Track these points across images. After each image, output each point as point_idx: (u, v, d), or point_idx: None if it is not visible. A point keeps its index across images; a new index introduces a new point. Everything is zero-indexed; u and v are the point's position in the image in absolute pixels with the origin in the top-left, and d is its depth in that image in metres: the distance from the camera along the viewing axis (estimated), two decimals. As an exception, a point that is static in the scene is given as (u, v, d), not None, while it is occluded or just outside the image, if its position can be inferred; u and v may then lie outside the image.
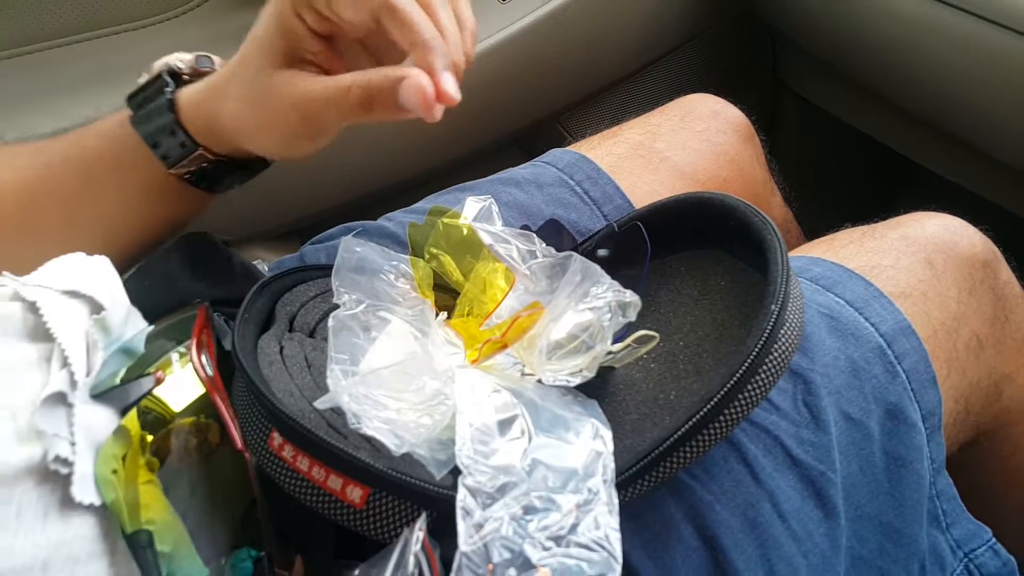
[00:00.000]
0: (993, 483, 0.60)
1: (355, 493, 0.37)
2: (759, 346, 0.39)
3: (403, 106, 0.41)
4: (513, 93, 0.89)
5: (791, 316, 0.41)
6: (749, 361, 0.39)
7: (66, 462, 0.35)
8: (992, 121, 0.75)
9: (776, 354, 0.39)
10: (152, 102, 0.49)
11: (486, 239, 0.54)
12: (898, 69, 0.81)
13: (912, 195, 0.77)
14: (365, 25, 0.42)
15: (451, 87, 0.40)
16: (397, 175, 0.87)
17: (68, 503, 0.35)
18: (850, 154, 1.13)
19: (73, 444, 0.35)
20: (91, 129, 0.52)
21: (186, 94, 0.49)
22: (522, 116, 0.92)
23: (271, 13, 0.44)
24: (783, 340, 0.40)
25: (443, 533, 0.35)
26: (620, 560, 0.34)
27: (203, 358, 0.39)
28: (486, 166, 0.71)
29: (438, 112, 0.41)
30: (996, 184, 0.84)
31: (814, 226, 0.74)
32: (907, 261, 0.54)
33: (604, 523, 0.35)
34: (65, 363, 0.38)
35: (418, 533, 0.35)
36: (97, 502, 0.35)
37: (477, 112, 0.87)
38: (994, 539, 0.50)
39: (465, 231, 0.55)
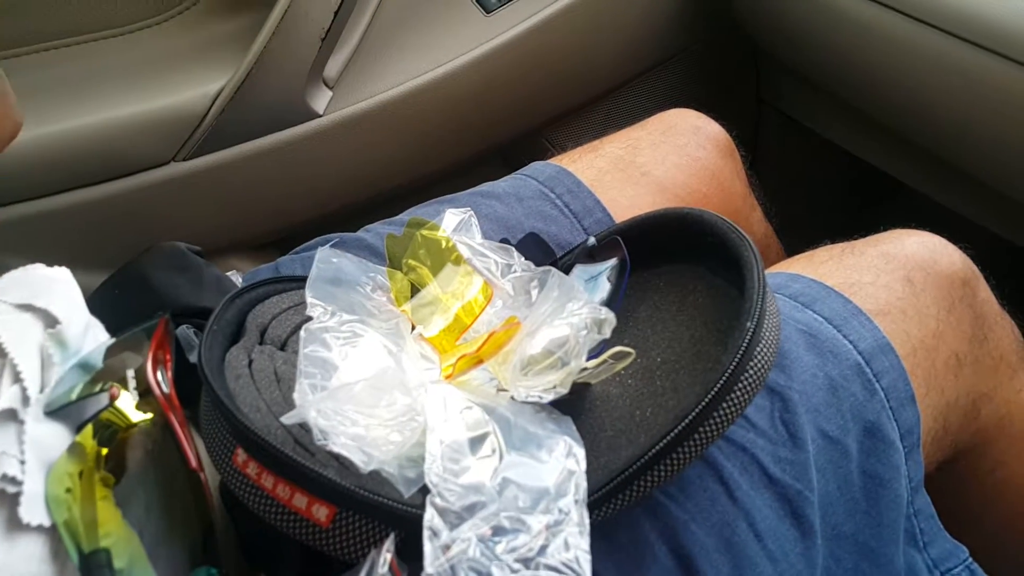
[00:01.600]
0: (970, 502, 0.59)
1: (321, 512, 0.36)
2: (734, 364, 0.38)
3: None
4: (497, 106, 0.88)
5: (767, 333, 0.40)
6: (724, 379, 0.38)
7: (14, 481, 0.34)
8: (973, 141, 0.75)
9: (752, 371, 0.39)
10: None
11: (465, 252, 0.54)
12: (880, 87, 0.81)
13: (894, 212, 0.77)
14: None
15: None
16: (378, 187, 0.87)
17: (15, 523, 0.33)
18: (831, 170, 1.13)
19: (23, 462, 0.34)
20: None
21: None
22: (506, 129, 0.92)
23: None
24: (759, 357, 0.39)
25: (412, 554, 0.34)
26: None
27: (159, 375, 0.38)
28: (469, 179, 0.71)
29: None
30: (976, 204, 0.85)
31: (794, 242, 0.74)
32: (886, 278, 0.53)
33: (574, 544, 0.35)
34: (17, 379, 0.37)
35: (385, 554, 0.34)
36: (47, 523, 0.34)
37: (460, 124, 0.87)
38: (971, 559, 0.50)
39: (444, 244, 0.54)
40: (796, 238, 0.76)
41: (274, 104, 0.77)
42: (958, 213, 0.86)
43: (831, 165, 1.10)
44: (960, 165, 0.79)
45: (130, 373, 0.37)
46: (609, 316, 0.41)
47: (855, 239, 0.58)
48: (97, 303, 0.49)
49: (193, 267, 0.54)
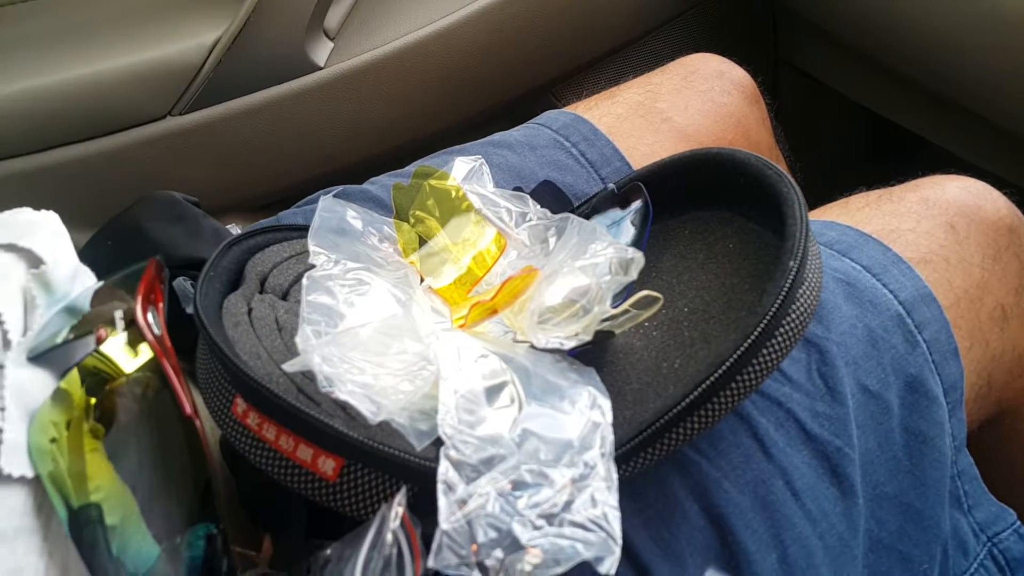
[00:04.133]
0: (1015, 463, 0.57)
1: (327, 465, 0.33)
2: (776, 306, 0.35)
3: None
4: (505, 59, 0.85)
5: (810, 275, 0.37)
6: (765, 322, 0.35)
7: None
8: (1007, 90, 0.71)
9: (794, 315, 0.36)
10: None
11: (476, 201, 0.50)
12: (907, 38, 0.78)
13: (919, 170, 0.74)
14: None
15: None
16: (383, 144, 0.84)
17: None
18: (852, 128, 1.09)
19: (3, 409, 0.32)
20: None
21: None
22: (513, 85, 0.88)
23: None
24: (801, 300, 0.36)
25: (425, 510, 0.32)
26: (619, 540, 0.31)
27: (150, 316, 0.35)
28: (475, 136, 0.68)
29: None
30: (1005, 159, 0.81)
31: (817, 199, 0.71)
32: (927, 225, 0.50)
33: (602, 500, 0.32)
34: None
35: (396, 508, 0.32)
36: (29, 474, 0.31)
37: (467, 78, 0.83)
38: (1019, 522, 0.47)
39: (453, 193, 0.51)
40: (817, 196, 0.73)
41: (273, 56, 0.74)
42: (985, 170, 0.82)
43: (852, 123, 1.07)
44: (991, 117, 0.75)
45: (118, 314, 0.35)
46: (637, 256, 0.38)
47: (892, 185, 0.55)
48: (89, 255, 0.47)
49: (189, 217, 0.51)
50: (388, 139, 0.83)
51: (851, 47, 0.88)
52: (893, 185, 0.55)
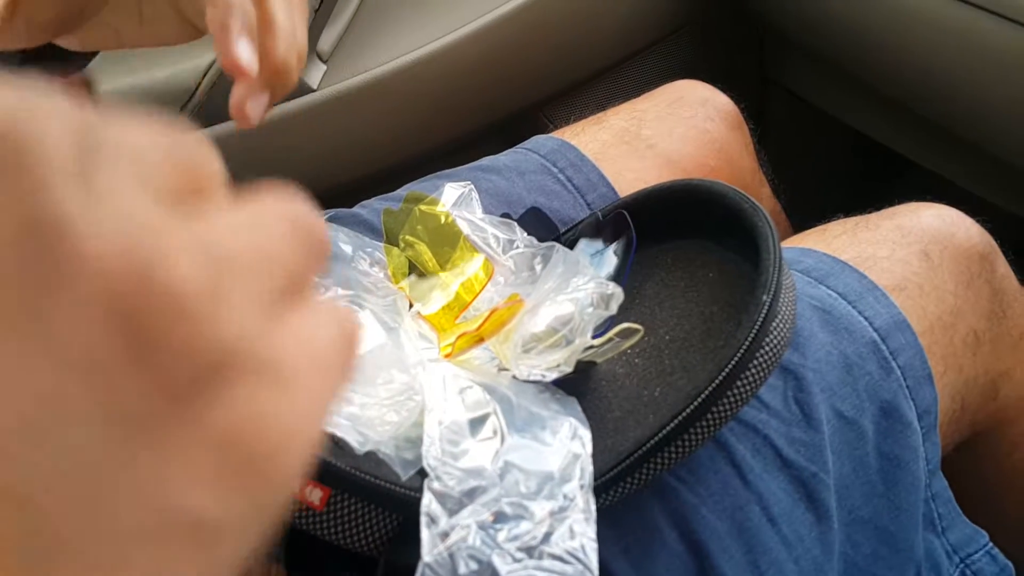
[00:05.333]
0: (989, 485, 0.58)
1: (314, 494, 0.34)
2: (749, 339, 0.37)
3: None
4: (496, 80, 0.86)
5: (783, 308, 0.38)
6: (739, 355, 0.36)
7: None
8: (990, 114, 0.73)
9: (768, 348, 0.37)
10: None
11: (464, 228, 0.52)
12: (893, 61, 0.79)
13: (906, 190, 0.75)
14: None
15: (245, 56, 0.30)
16: (375, 165, 0.85)
17: None
18: (839, 148, 1.11)
19: None
20: None
21: None
22: (505, 105, 0.89)
23: None
24: (775, 333, 0.38)
25: (409, 538, 0.33)
26: (596, 572, 0.32)
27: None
28: (466, 156, 0.69)
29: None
30: (988, 180, 0.83)
31: (803, 220, 0.72)
32: (902, 253, 0.51)
33: (580, 532, 0.33)
34: None
35: None
36: None
37: (458, 100, 0.85)
38: (991, 544, 0.48)
39: (443, 219, 0.52)
40: (804, 217, 0.74)
41: (267, 78, 0.75)
42: (969, 191, 0.84)
43: (839, 143, 1.08)
44: (975, 141, 0.77)
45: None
46: (616, 291, 0.39)
47: (869, 213, 0.56)
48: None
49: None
50: (380, 160, 0.84)
51: (837, 68, 0.89)
52: (870, 212, 0.56)
